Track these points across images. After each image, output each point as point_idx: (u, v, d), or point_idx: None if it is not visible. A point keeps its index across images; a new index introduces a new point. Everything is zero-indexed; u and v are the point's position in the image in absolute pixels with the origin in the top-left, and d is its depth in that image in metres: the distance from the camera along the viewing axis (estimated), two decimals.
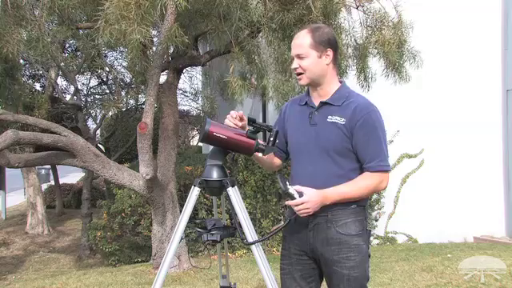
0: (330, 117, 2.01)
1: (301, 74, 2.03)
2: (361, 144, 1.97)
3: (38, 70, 9.39)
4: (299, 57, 2.01)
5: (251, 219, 2.16)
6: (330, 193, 1.94)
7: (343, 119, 1.98)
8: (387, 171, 2.00)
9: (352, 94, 2.05)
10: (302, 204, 1.89)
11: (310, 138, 2.03)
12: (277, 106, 4.78)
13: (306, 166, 2.05)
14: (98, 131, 10.35)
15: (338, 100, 2.03)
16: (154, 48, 4.63)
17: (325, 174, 1.99)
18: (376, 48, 4.68)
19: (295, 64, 2.03)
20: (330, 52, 2.01)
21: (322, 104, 2.05)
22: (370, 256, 2.04)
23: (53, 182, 13.15)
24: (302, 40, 2.00)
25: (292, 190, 1.92)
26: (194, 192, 2.08)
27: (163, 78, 5.39)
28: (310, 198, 1.90)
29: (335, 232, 1.98)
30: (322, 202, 1.92)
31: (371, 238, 2.15)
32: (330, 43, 2.01)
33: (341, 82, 2.10)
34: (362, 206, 2.04)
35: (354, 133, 1.96)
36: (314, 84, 2.05)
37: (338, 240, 1.98)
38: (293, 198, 1.92)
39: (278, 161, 2.27)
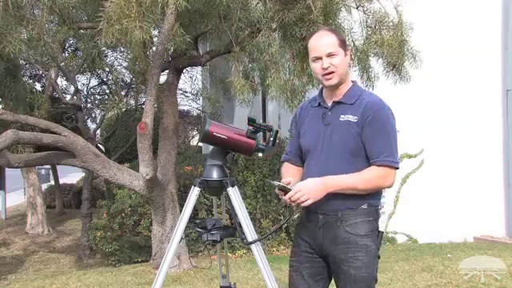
0: (342, 116, 2.03)
1: (332, 72, 2.01)
2: (369, 139, 1.98)
3: (38, 70, 9.38)
4: (331, 55, 2.00)
5: (251, 219, 2.16)
6: (331, 179, 1.95)
7: (355, 117, 2.00)
8: (394, 167, 1.99)
9: (364, 93, 2.09)
10: (295, 193, 1.90)
11: (324, 138, 2.05)
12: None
13: (317, 164, 2.06)
14: (98, 131, 10.33)
15: (351, 98, 2.05)
16: (154, 48, 4.63)
17: (336, 172, 1.99)
18: (376, 48, 4.67)
19: (326, 63, 2.00)
20: (349, 52, 2.07)
21: (335, 103, 2.07)
22: (379, 257, 2.03)
23: (53, 182, 13.13)
24: (330, 39, 2.02)
25: (283, 184, 1.93)
26: (194, 192, 2.09)
27: (163, 78, 5.38)
28: (300, 185, 1.91)
29: (344, 231, 1.99)
30: (322, 187, 1.92)
31: None
32: (346, 44, 2.09)
33: (352, 81, 2.12)
34: (374, 206, 2.04)
35: (363, 129, 1.98)
36: (339, 83, 2.05)
37: (346, 239, 1.99)
38: (288, 190, 1.92)
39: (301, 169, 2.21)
